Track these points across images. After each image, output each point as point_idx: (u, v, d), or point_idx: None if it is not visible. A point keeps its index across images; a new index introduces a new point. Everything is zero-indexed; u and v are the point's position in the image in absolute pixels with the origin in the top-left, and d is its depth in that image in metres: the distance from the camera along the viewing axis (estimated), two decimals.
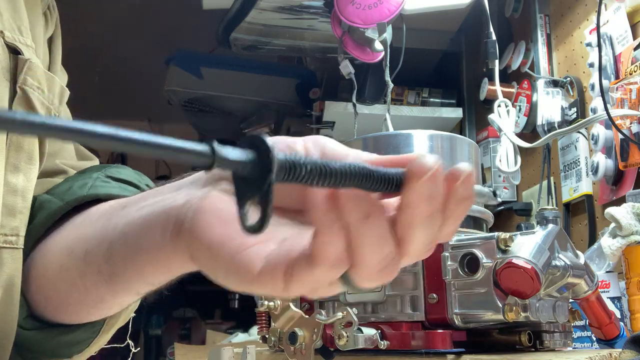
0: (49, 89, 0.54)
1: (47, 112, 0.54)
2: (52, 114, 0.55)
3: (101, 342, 0.55)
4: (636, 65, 1.26)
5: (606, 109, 1.17)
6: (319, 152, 0.36)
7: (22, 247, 0.50)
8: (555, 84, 1.63)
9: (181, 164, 0.27)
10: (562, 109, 1.59)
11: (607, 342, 0.89)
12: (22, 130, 0.22)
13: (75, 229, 0.49)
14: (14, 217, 0.50)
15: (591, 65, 1.44)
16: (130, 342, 0.74)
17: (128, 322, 0.59)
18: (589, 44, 1.48)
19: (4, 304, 0.48)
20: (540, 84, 1.64)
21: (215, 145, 0.26)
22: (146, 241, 0.40)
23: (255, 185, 0.27)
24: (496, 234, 0.68)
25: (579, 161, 1.52)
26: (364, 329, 0.66)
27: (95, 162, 0.64)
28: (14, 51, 0.51)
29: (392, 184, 0.31)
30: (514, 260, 0.65)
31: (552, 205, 1.62)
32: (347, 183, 0.29)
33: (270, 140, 0.27)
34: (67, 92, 0.58)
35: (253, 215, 0.27)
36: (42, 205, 0.53)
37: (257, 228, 0.27)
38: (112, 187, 0.54)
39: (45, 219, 0.51)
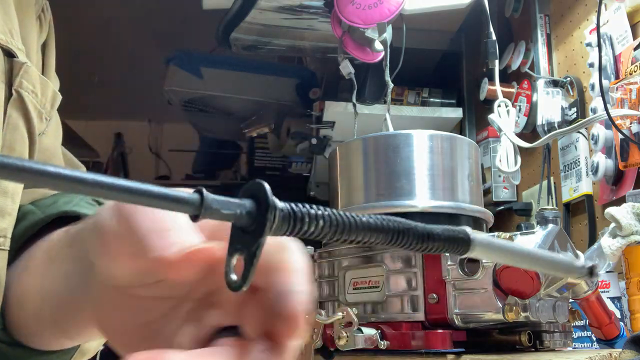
0: (42, 93, 0.54)
1: (39, 116, 0.54)
2: (43, 118, 0.55)
3: None
4: (636, 65, 1.26)
5: (606, 109, 1.17)
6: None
7: (8, 249, 0.50)
8: (555, 84, 1.63)
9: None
10: (562, 109, 1.59)
11: (607, 342, 0.89)
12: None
13: (41, 253, 0.49)
14: (3, 218, 0.49)
15: (591, 65, 1.44)
16: None
17: None
18: (589, 44, 1.49)
19: None
20: (540, 84, 1.64)
21: (205, 195, 0.24)
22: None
23: (250, 238, 0.25)
24: (496, 234, 0.68)
25: (579, 161, 1.52)
26: (364, 329, 0.66)
27: (83, 169, 0.64)
28: (9, 54, 0.50)
29: (431, 241, 0.28)
30: None
31: (552, 205, 1.62)
32: (370, 239, 0.26)
33: (270, 191, 0.25)
34: (59, 97, 0.58)
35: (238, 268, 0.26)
36: (25, 215, 0.52)
37: (237, 287, 0.26)
38: (94, 210, 0.53)
39: (25, 230, 0.51)
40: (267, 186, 0.24)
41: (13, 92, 0.50)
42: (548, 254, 0.32)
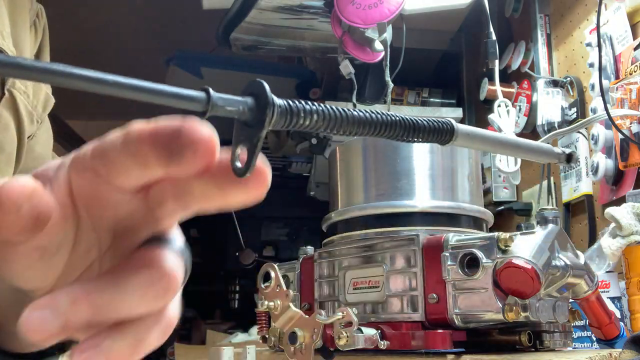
0: (34, 95, 0.55)
1: (30, 118, 0.54)
2: (34, 120, 0.55)
3: None
4: (636, 65, 1.26)
5: (606, 109, 1.17)
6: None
7: None
8: (555, 84, 1.63)
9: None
10: (562, 109, 1.59)
11: (607, 342, 0.89)
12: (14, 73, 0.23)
13: None
14: None
15: (591, 65, 1.44)
16: None
17: None
18: (589, 44, 1.49)
19: None
20: (540, 84, 1.64)
21: (211, 92, 0.26)
22: None
23: (252, 131, 0.27)
24: (496, 234, 0.68)
25: (579, 161, 1.52)
26: (364, 329, 0.66)
27: None
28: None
29: (419, 131, 0.31)
30: (514, 260, 0.65)
31: (552, 205, 1.62)
32: (360, 130, 0.29)
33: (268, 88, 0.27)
34: (52, 100, 0.58)
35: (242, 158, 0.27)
36: None
37: (241, 173, 0.27)
38: None
39: None
40: (266, 85, 0.27)
41: (5, 91, 0.51)
42: (527, 141, 0.35)
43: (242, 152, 0.27)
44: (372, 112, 0.29)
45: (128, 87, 0.25)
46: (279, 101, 0.27)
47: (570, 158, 0.37)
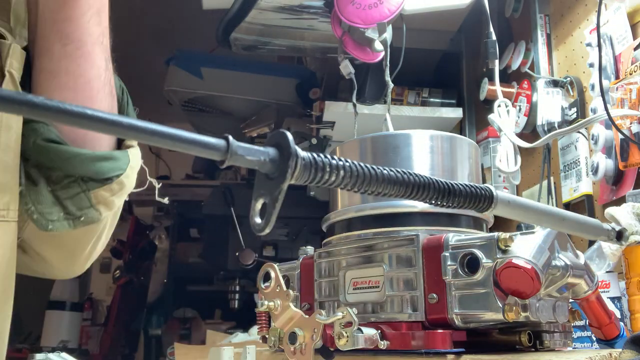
0: None
1: None
2: None
3: (131, 178, 0.60)
4: (636, 65, 1.26)
5: (606, 109, 1.17)
6: None
7: (15, 220, 0.53)
8: (555, 84, 1.63)
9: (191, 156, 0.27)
10: (562, 109, 1.59)
11: (607, 342, 0.89)
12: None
13: None
14: (4, 193, 0.53)
15: (591, 65, 1.44)
16: None
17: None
18: (589, 44, 1.48)
19: None
20: (540, 84, 1.64)
21: (231, 141, 0.25)
22: None
23: (273, 184, 0.26)
24: (496, 234, 0.68)
25: (579, 161, 1.52)
26: (364, 329, 0.66)
27: None
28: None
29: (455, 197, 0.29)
30: (514, 260, 0.65)
31: (552, 205, 1.62)
32: (390, 191, 0.27)
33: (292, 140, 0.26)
34: None
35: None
36: None
37: (260, 229, 0.26)
38: None
39: None
40: (290, 135, 0.26)
41: (6, 73, 0.54)
42: (574, 215, 0.32)
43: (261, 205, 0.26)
44: (406, 173, 0.27)
45: (145, 132, 0.25)
46: (303, 154, 0.25)
47: (620, 236, 0.34)
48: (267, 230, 0.26)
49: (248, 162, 0.25)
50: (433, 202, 0.28)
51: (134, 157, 0.61)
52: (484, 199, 0.29)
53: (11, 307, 0.55)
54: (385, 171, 0.27)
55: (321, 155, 0.26)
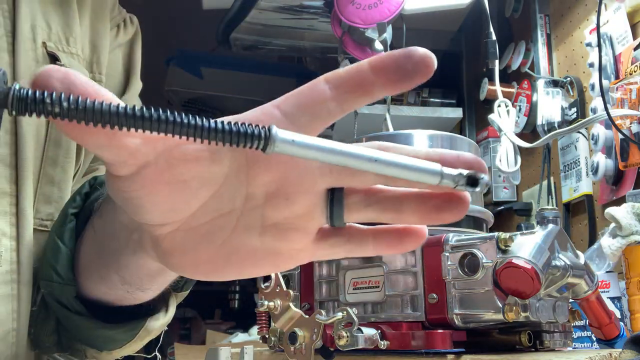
0: None
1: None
2: None
3: (134, 347, 0.58)
4: (636, 65, 1.26)
5: (606, 109, 1.17)
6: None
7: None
8: (555, 84, 1.63)
9: None
10: (562, 109, 1.59)
11: (607, 342, 0.89)
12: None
13: None
14: (49, 204, 0.57)
15: (591, 65, 1.44)
16: (158, 354, 0.75)
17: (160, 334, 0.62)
18: (589, 44, 1.49)
19: (28, 283, 0.54)
20: (540, 84, 1.64)
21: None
22: (112, 242, 0.44)
23: None
24: (496, 234, 0.68)
25: (579, 161, 1.52)
26: (364, 329, 0.66)
27: None
28: (54, 58, 0.58)
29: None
30: (514, 260, 0.65)
31: (552, 205, 1.62)
32: (133, 126, 0.27)
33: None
34: None
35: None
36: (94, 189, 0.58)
37: None
38: None
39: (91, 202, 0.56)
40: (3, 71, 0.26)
41: None
42: (393, 156, 0.30)
43: None
44: (150, 109, 0.27)
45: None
46: (18, 86, 0.26)
47: (474, 182, 0.31)
48: None
49: None
50: (194, 139, 0.28)
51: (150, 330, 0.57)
52: (256, 137, 0.29)
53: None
54: (126, 109, 0.27)
55: (46, 91, 0.26)
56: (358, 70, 0.33)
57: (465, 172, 0.31)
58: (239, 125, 0.28)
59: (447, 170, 0.31)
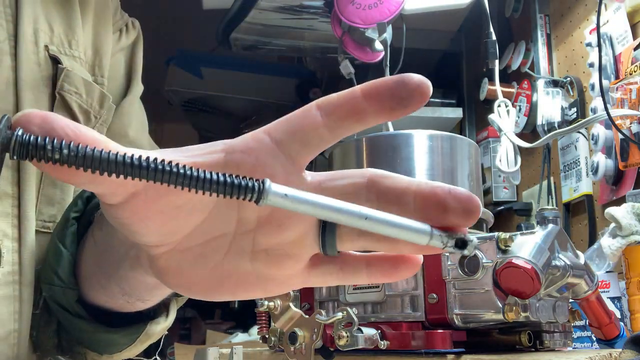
0: (88, 94, 0.61)
1: (86, 115, 0.61)
2: (91, 117, 0.62)
3: (134, 351, 0.58)
4: (636, 65, 1.26)
5: (606, 109, 1.17)
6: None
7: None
8: (555, 84, 1.63)
9: None
10: (562, 109, 1.59)
11: (607, 342, 0.89)
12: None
13: None
14: (52, 206, 0.57)
15: (591, 65, 1.44)
16: (158, 358, 0.75)
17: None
18: (589, 44, 1.48)
19: (29, 285, 0.54)
20: (540, 84, 1.64)
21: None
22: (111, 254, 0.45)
23: None
24: (496, 234, 0.68)
25: (579, 161, 1.52)
26: (364, 329, 0.66)
27: None
28: (55, 61, 0.58)
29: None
30: (514, 260, 0.65)
31: (552, 205, 1.62)
32: (125, 174, 0.28)
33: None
34: (108, 97, 0.64)
35: None
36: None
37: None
38: None
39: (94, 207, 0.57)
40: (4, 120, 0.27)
41: (57, 95, 0.58)
42: (383, 215, 0.30)
43: None
44: (145, 160, 0.27)
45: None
46: (20, 132, 0.27)
47: (463, 244, 0.32)
48: None
49: None
50: (189, 189, 0.29)
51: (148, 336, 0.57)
52: (250, 190, 0.29)
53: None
54: (120, 156, 0.28)
55: (47, 138, 0.27)
56: (350, 97, 0.32)
57: (454, 234, 0.32)
58: (234, 177, 0.29)
59: (437, 232, 0.31)
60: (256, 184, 0.29)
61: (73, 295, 0.52)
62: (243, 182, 0.29)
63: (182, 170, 0.28)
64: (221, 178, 0.28)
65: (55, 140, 0.27)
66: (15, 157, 0.27)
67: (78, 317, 0.52)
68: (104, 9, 0.67)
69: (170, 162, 0.28)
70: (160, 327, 0.57)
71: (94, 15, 0.65)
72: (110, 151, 0.27)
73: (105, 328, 0.53)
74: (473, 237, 0.32)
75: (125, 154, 0.28)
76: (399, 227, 0.30)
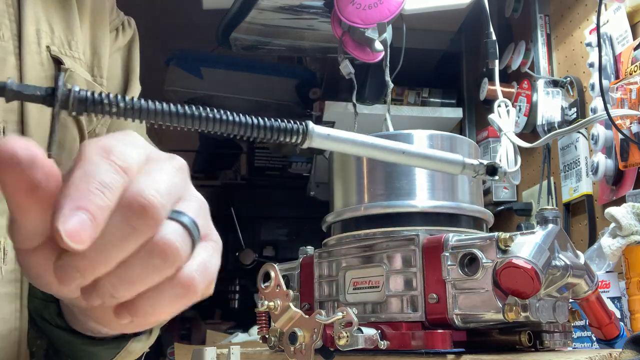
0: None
1: (89, 116, 0.61)
2: (92, 118, 0.63)
3: None
4: (636, 65, 1.26)
5: (606, 109, 1.17)
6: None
7: None
8: (555, 84, 1.63)
9: None
10: (562, 109, 1.59)
11: (607, 342, 0.89)
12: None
13: None
14: None
15: (591, 65, 1.44)
16: None
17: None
18: (589, 44, 1.48)
19: (25, 297, 0.54)
20: (540, 84, 1.64)
21: (9, 83, 0.28)
22: None
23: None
24: (496, 234, 0.68)
25: (579, 161, 1.52)
26: (364, 329, 0.66)
27: None
28: (57, 61, 0.58)
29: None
30: (514, 260, 0.65)
31: (552, 205, 1.62)
32: (183, 124, 0.29)
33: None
34: None
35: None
36: None
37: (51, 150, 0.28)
38: None
39: None
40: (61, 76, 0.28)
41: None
42: (419, 149, 0.31)
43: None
44: (199, 109, 0.29)
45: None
46: (77, 88, 0.28)
47: (493, 171, 0.33)
48: (53, 149, 0.28)
49: (28, 97, 0.27)
50: (238, 136, 0.29)
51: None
52: (295, 132, 0.30)
53: None
54: (174, 107, 0.29)
55: (102, 93, 0.28)
56: None
57: (485, 162, 0.33)
58: (279, 121, 0.30)
59: (469, 161, 0.33)
60: (301, 126, 0.30)
61: (54, 308, 0.52)
62: (289, 126, 0.30)
63: (231, 118, 0.29)
64: (268, 123, 0.29)
65: (111, 95, 0.28)
66: (74, 113, 0.28)
67: (61, 329, 0.52)
68: (100, 8, 0.67)
69: (220, 111, 0.29)
70: (141, 345, 0.57)
71: (91, 15, 0.66)
72: (163, 103, 0.29)
73: (86, 340, 0.53)
74: (502, 164, 0.34)
75: (178, 105, 0.29)
76: (434, 159, 0.32)
